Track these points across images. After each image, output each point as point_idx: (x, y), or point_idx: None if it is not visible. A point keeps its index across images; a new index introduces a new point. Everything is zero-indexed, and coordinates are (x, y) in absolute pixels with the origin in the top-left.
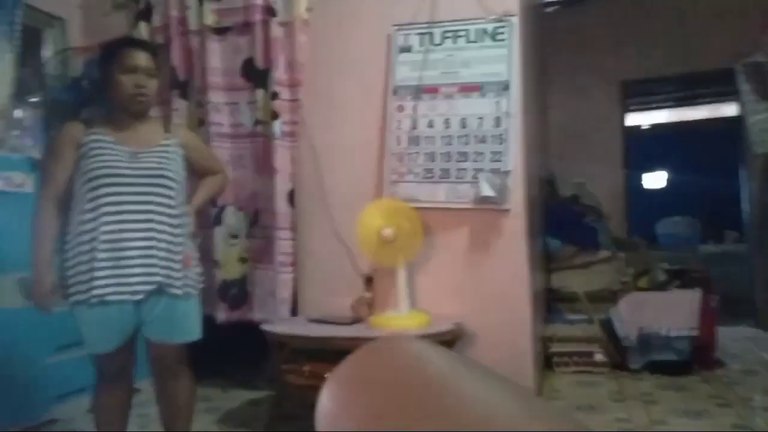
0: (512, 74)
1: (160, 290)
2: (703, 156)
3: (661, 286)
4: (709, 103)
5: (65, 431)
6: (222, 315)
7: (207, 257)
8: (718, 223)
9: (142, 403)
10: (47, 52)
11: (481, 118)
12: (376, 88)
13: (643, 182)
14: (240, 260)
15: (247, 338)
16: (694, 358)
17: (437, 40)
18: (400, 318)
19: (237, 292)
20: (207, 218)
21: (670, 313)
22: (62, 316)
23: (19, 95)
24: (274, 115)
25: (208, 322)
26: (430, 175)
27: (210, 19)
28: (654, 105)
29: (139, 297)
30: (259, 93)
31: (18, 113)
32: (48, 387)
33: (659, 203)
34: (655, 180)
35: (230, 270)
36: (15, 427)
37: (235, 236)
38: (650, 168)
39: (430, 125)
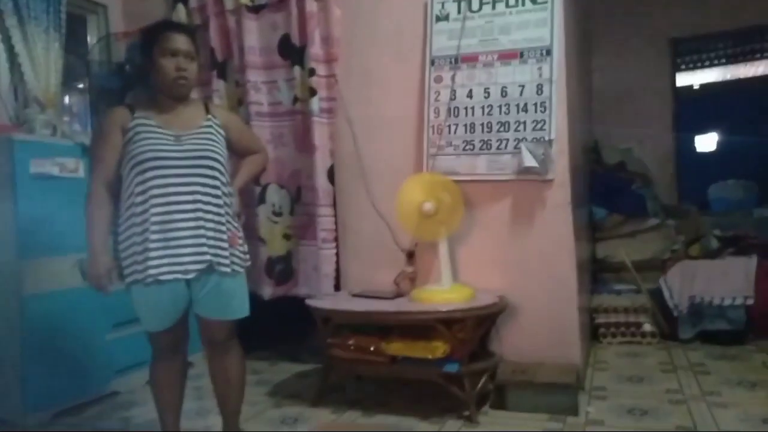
0: (554, 39)
1: (209, 269)
2: (759, 115)
3: (713, 254)
4: (764, 58)
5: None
6: (268, 291)
7: (253, 235)
8: None
9: (196, 375)
10: (91, 38)
11: (522, 86)
12: (413, 60)
13: (694, 145)
14: (284, 237)
15: (292, 313)
16: (750, 328)
17: (475, 6)
18: (442, 292)
19: (282, 268)
20: (251, 197)
21: (724, 281)
22: (119, 295)
23: (67, 82)
24: (312, 92)
25: (254, 298)
26: (470, 146)
27: None
28: (706, 63)
29: (191, 275)
30: (297, 70)
31: (66, 100)
32: (108, 362)
33: (712, 166)
34: (707, 142)
35: (275, 247)
36: (80, 399)
37: (278, 213)
38: (702, 130)
39: (470, 95)
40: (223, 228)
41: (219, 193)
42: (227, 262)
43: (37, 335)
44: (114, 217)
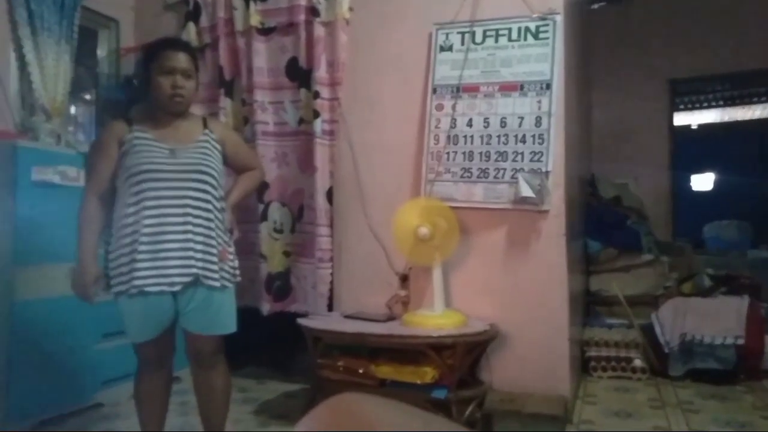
0: (555, 73)
1: (197, 282)
2: (755, 157)
3: (706, 292)
4: (762, 102)
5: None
6: (267, 306)
7: (254, 251)
8: None
9: (182, 391)
10: (102, 51)
11: (521, 117)
12: (416, 87)
13: (691, 184)
14: (284, 254)
15: (283, 330)
16: (740, 368)
17: (478, 38)
18: (434, 317)
19: (281, 285)
20: (254, 213)
21: (715, 319)
22: (110, 305)
23: (75, 93)
24: (316, 114)
25: (243, 314)
26: (468, 174)
27: (255, 20)
28: (704, 104)
29: (177, 288)
30: (303, 92)
31: (73, 110)
32: (95, 372)
33: (707, 206)
34: (703, 182)
35: (275, 263)
36: (64, 409)
37: (279, 231)
38: (698, 169)
39: (469, 124)
40: (213, 242)
41: (210, 207)
42: (216, 276)
43: (25, 342)
44: (106, 228)
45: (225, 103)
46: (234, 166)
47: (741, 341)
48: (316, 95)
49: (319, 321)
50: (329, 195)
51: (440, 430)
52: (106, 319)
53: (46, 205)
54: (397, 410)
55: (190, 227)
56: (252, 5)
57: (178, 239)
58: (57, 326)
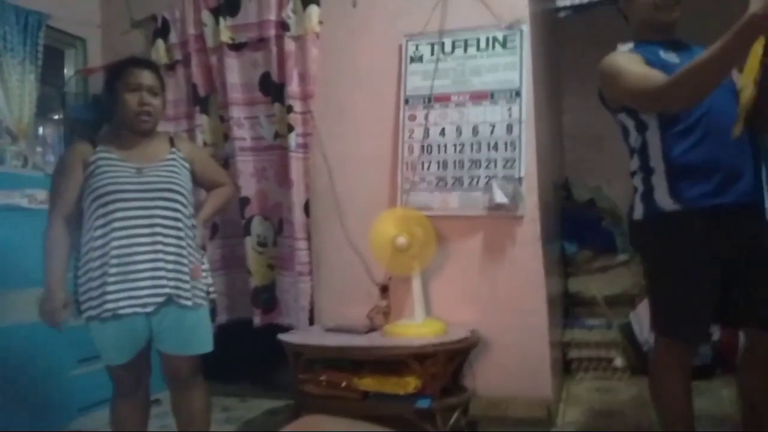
0: (524, 81)
1: (169, 302)
2: None
3: None
4: None
5: None
6: (257, 319)
7: (241, 264)
8: None
9: (162, 414)
10: (69, 71)
11: (492, 125)
12: (388, 98)
13: None
14: (268, 267)
15: (266, 344)
16: (717, 362)
17: (448, 48)
18: (415, 326)
19: (267, 297)
20: (238, 228)
21: None
22: (85, 330)
23: (42, 113)
24: (290, 128)
25: (223, 330)
26: (443, 183)
27: (226, 36)
28: None
29: (150, 309)
30: (277, 106)
31: (41, 131)
32: (71, 399)
33: None
34: None
35: (260, 276)
36: None
37: (263, 244)
38: None
39: (442, 134)
40: (185, 260)
41: (181, 225)
42: (188, 295)
43: None
44: (73, 251)
45: (201, 120)
46: (203, 184)
47: (716, 336)
48: (290, 109)
49: (299, 336)
50: (306, 208)
51: None
52: (80, 344)
53: (14, 229)
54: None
55: (160, 246)
56: (222, 21)
57: (148, 259)
58: (30, 353)
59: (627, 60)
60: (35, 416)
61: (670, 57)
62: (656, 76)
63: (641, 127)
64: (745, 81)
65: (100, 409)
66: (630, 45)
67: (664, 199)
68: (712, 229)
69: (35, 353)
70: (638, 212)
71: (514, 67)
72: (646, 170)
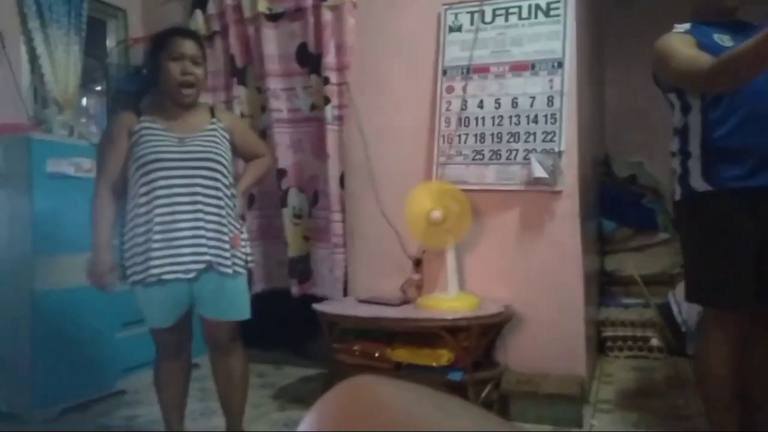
0: (566, 51)
1: (210, 269)
2: None
3: None
4: None
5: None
6: (294, 289)
7: (277, 235)
8: None
9: (202, 377)
10: (110, 42)
11: (533, 97)
12: (426, 69)
13: None
14: (304, 238)
15: (300, 314)
16: None
17: (488, 17)
18: (448, 300)
19: (303, 268)
20: (274, 199)
21: None
22: (129, 294)
23: (86, 84)
24: (327, 100)
25: (257, 300)
26: (479, 156)
27: (263, 6)
28: None
29: (191, 275)
30: (313, 78)
31: (84, 102)
32: (116, 360)
33: None
34: None
35: (296, 247)
36: (87, 396)
37: (299, 216)
38: None
39: (480, 106)
40: (224, 229)
41: (221, 194)
42: (228, 263)
43: (47, 331)
44: (119, 218)
45: (239, 91)
46: (243, 154)
47: None
48: (326, 81)
49: (334, 306)
50: (341, 181)
51: (450, 410)
52: (125, 308)
53: (62, 196)
54: (411, 392)
55: (201, 215)
56: None
57: (190, 227)
58: (77, 315)
59: (680, 41)
60: (83, 375)
61: (724, 40)
62: (703, 60)
63: (686, 109)
64: None
65: (143, 370)
66: (687, 26)
67: (697, 181)
68: (744, 209)
69: (83, 316)
70: (677, 194)
71: (556, 37)
72: (684, 153)
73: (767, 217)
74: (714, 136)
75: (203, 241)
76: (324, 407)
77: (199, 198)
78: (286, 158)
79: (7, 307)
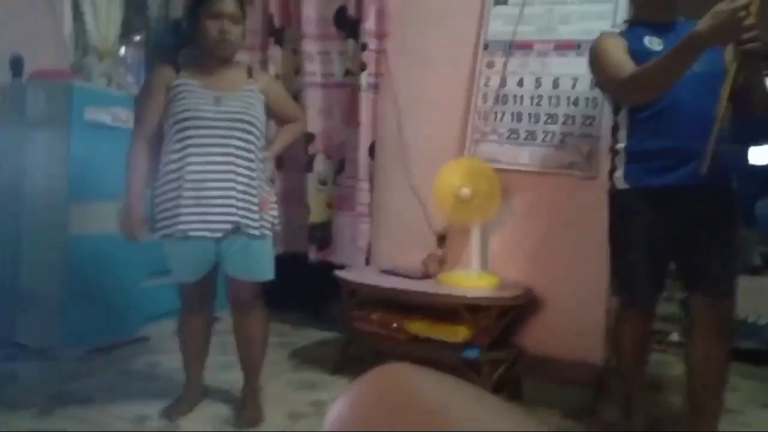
0: None
1: (237, 229)
2: None
3: (754, 270)
4: None
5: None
6: (312, 255)
7: (301, 199)
8: None
9: (223, 331)
10: None
11: (575, 78)
12: (467, 42)
13: (746, 156)
14: (327, 205)
15: (319, 278)
16: None
17: None
18: (470, 277)
19: (322, 235)
20: (300, 165)
21: (762, 299)
22: (155, 245)
23: (125, 35)
24: (363, 67)
25: (281, 262)
26: (514, 135)
27: None
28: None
29: (219, 234)
30: (350, 43)
31: (123, 52)
32: (141, 308)
33: (762, 181)
34: (759, 155)
35: (318, 214)
36: (113, 339)
37: (323, 182)
38: (754, 142)
39: (520, 84)
40: (254, 191)
41: (253, 156)
42: (256, 225)
43: (79, 274)
44: (153, 171)
45: (275, 51)
46: (276, 117)
47: None
48: (364, 47)
49: (355, 274)
50: (371, 150)
51: (477, 404)
52: (151, 258)
53: (99, 145)
54: (440, 383)
55: (232, 175)
56: None
57: (221, 186)
58: (107, 261)
59: (613, 45)
60: (108, 320)
61: (654, 44)
62: (626, 68)
63: (616, 109)
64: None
65: (166, 319)
66: (623, 26)
67: (619, 179)
68: (656, 206)
69: (113, 262)
70: (606, 187)
71: (606, 17)
72: (614, 150)
73: (680, 212)
74: (636, 137)
75: (233, 201)
76: (360, 393)
77: (232, 159)
78: (315, 123)
79: (43, 248)
